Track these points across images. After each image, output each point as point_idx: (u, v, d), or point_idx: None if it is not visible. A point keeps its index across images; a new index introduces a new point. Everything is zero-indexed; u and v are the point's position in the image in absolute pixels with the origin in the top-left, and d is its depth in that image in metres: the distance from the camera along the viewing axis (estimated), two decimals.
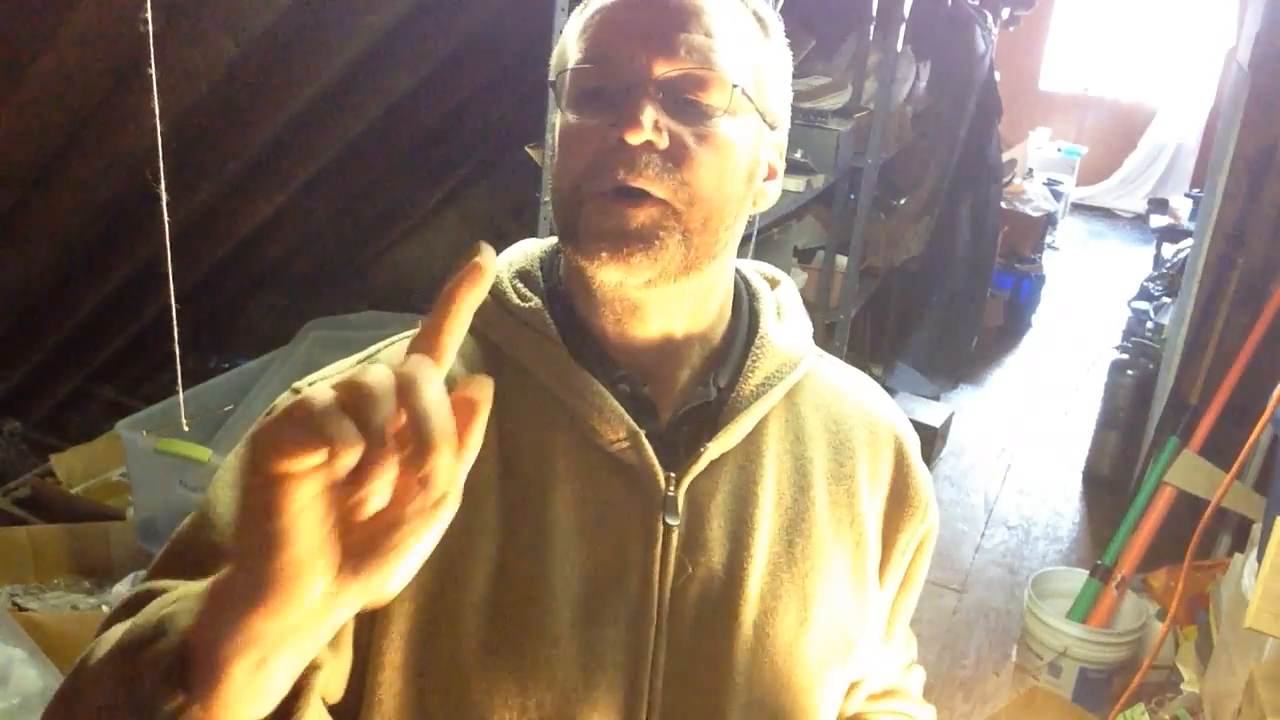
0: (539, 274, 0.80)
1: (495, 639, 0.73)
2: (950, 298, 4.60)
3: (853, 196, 3.12)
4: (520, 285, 0.78)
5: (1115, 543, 2.85)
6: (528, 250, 0.83)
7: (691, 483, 0.76)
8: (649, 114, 0.69)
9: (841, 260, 3.17)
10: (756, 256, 2.10)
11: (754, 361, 0.79)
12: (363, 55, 2.32)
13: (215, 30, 1.95)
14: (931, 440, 4.12)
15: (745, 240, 2.06)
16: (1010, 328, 5.69)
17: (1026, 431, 4.53)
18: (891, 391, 4.42)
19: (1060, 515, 3.90)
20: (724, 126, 0.72)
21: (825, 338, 3.17)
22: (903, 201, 3.58)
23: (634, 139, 0.68)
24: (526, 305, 0.77)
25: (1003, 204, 5.23)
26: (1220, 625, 2.25)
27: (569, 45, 0.76)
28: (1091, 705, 2.66)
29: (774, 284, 0.88)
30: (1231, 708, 1.91)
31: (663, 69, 0.70)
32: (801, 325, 0.86)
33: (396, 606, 0.72)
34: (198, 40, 1.96)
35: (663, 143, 0.70)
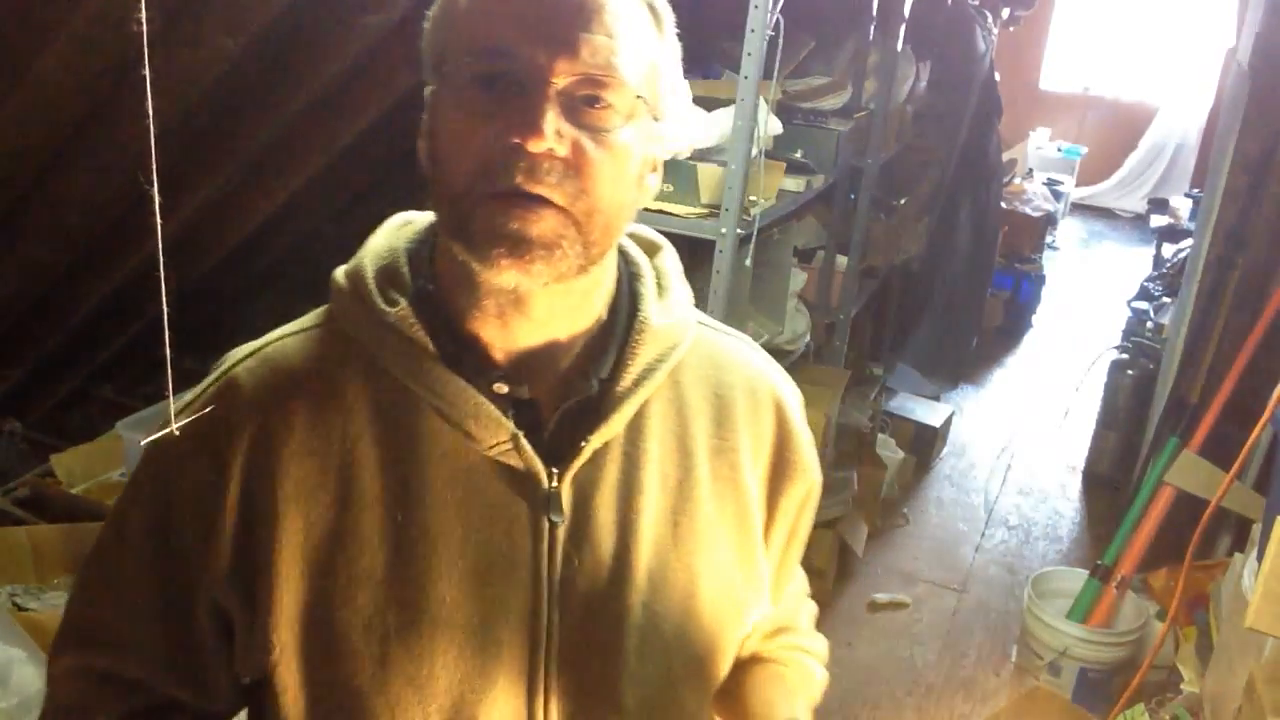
0: (406, 270, 0.77)
1: (389, 653, 0.73)
2: (950, 298, 4.60)
3: (853, 196, 3.12)
4: (386, 287, 0.76)
5: (1115, 543, 2.85)
6: (393, 244, 0.80)
7: (574, 476, 0.76)
8: (550, 121, 0.66)
9: (841, 260, 3.17)
10: (756, 256, 2.10)
11: (634, 349, 0.78)
12: (363, 55, 2.31)
13: (215, 30, 1.95)
14: (931, 440, 4.12)
15: (745, 240, 2.06)
16: (1010, 328, 5.69)
17: (1026, 431, 4.53)
18: (891, 392, 4.43)
19: (1060, 515, 3.90)
20: (623, 134, 0.70)
21: (825, 338, 3.17)
22: (903, 201, 3.58)
23: (535, 147, 0.66)
24: (393, 310, 0.74)
25: (1003, 204, 5.23)
26: (1220, 625, 2.25)
27: (456, 22, 0.73)
28: (1091, 705, 2.66)
29: (653, 251, 0.87)
30: (1231, 708, 1.91)
31: (564, 71, 0.67)
32: (682, 297, 0.85)
33: (283, 638, 0.74)
34: (197, 40, 1.95)
35: (563, 150, 0.68)
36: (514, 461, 0.74)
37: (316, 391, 0.74)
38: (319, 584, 0.73)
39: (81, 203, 2.39)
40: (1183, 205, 6.68)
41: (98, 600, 0.81)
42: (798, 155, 2.46)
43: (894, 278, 4.07)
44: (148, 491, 0.78)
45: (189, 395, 0.79)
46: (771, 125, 2.19)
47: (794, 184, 2.36)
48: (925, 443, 4.10)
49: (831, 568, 3.12)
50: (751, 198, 2.05)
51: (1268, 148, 3.04)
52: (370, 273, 0.76)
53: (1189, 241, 4.82)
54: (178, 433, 0.71)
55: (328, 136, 2.74)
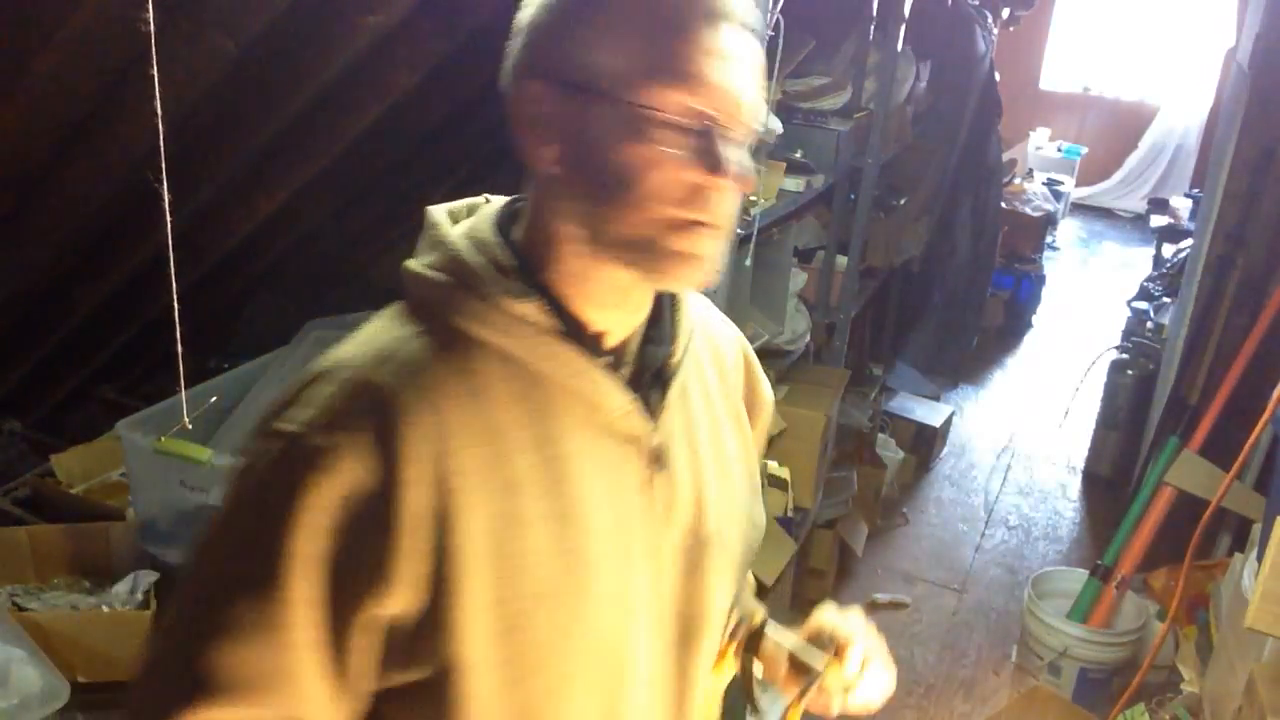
0: (516, 262, 0.82)
1: (563, 618, 0.81)
2: (950, 298, 4.60)
3: (853, 196, 3.12)
4: (504, 279, 0.81)
5: (1115, 543, 2.85)
6: (483, 237, 0.83)
7: (660, 431, 0.87)
8: (731, 165, 0.78)
9: (841, 260, 3.17)
10: (756, 256, 2.10)
11: (681, 320, 0.91)
12: (363, 55, 2.31)
13: (215, 30, 1.94)
14: (931, 440, 4.12)
15: (745, 240, 2.06)
16: (1010, 328, 5.69)
17: (1026, 431, 4.53)
18: (891, 392, 4.43)
19: (1060, 515, 3.90)
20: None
21: (825, 338, 3.17)
22: (903, 201, 3.57)
23: (720, 187, 0.78)
24: (524, 303, 0.80)
25: (1003, 204, 5.23)
26: (1220, 625, 2.25)
27: (650, 56, 0.76)
28: (1091, 705, 2.66)
29: None
30: (1231, 708, 1.91)
31: (741, 126, 0.79)
32: None
33: (470, 624, 0.77)
34: (198, 40, 1.95)
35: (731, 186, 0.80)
36: (633, 425, 0.85)
37: (458, 388, 0.78)
38: (499, 565, 0.78)
39: (82, 203, 2.39)
40: (1183, 205, 6.68)
41: (243, 640, 0.74)
42: (798, 155, 2.46)
43: (894, 278, 4.07)
44: (295, 517, 0.73)
45: (303, 412, 0.76)
46: (771, 125, 2.19)
47: (794, 184, 2.36)
48: (925, 443, 4.10)
49: (831, 568, 3.12)
50: (751, 198, 2.05)
51: (1268, 148, 3.04)
52: (482, 267, 0.81)
53: (1189, 241, 4.82)
54: (189, 425, 0.71)
55: (328, 136, 2.74)
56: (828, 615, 1.02)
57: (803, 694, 0.97)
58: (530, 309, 0.80)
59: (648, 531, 0.86)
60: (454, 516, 0.75)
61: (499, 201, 0.88)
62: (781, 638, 1.02)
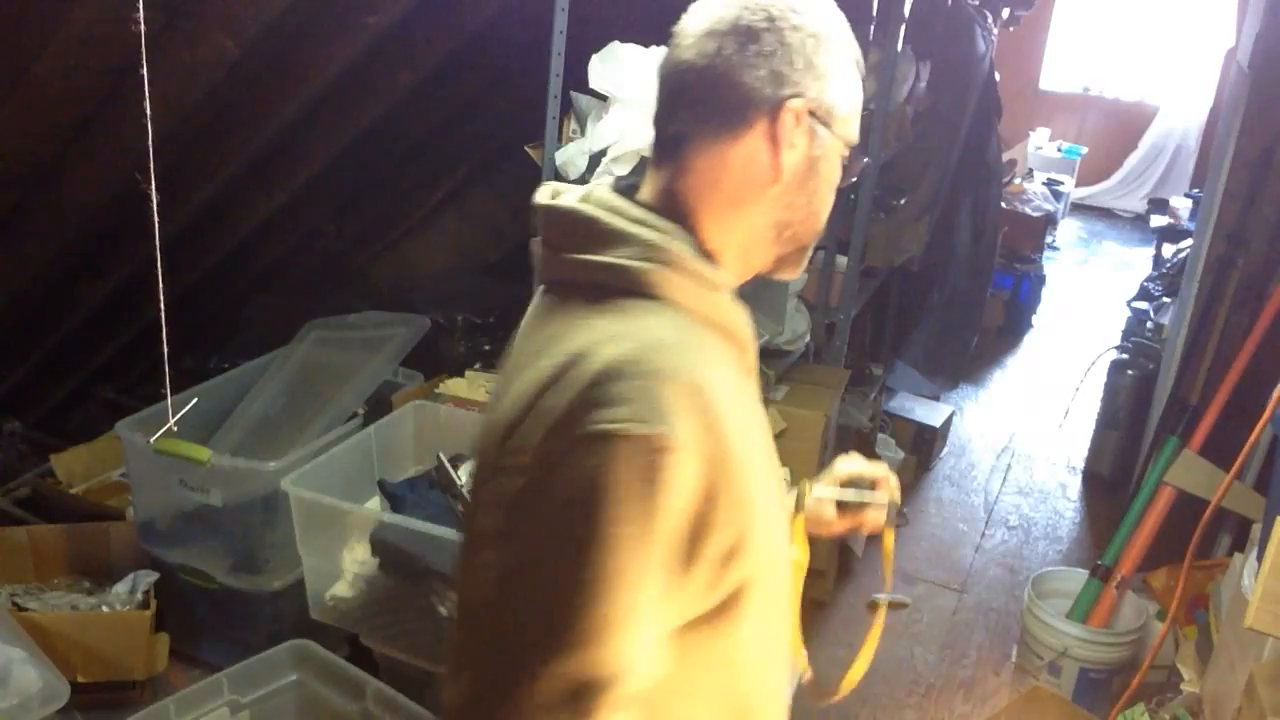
0: (693, 241, 0.93)
1: (779, 553, 0.97)
2: (950, 298, 4.59)
3: (853, 196, 3.12)
4: (701, 259, 0.93)
5: (1115, 543, 2.85)
6: (666, 226, 0.92)
7: None
8: None
9: (841, 260, 3.16)
10: None
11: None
12: (363, 55, 2.31)
13: (215, 30, 1.95)
14: (931, 440, 4.12)
15: None
16: (1010, 328, 5.69)
17: (1026, 431, 4.53)
18: (891, 392, 4.42)
19: (1060, 515, 3.90)
20: None
21: (825, 338, 3.16)
22: (903, 201, 3.57)
23: None
24: (717, 273, 0.93)
25: (1003, 204, 5.23)
26: (1220, 625, 2.25)
27: (853, 100, 1.00)
28: (1091, 705, 2.66)
29: None
30: (1231, 708, 1.91)
31: None
32: None
33: (750, 572, 0.89)
34: (198, 40, 1.96)
35: None
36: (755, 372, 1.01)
37: (709, 355, 0.90)
38: (759, 513, 0.88)
39: (81, 203, 2.39)
40: (1183, 205, 6.67)
41: (639, 627, 0.80)
42: None
43: (894, 278, 4.07)
44: (667, 502, 0.79)
45: (622, 410, 0.79)
46: None
47: None
48: (925, 443, 4.09)
49: (831, 568, 3.12)
50: None
51: (1268, 148, 3.04)
52: (682, 250, 0.91)
53: (1189, 241, 4.82)
54: (175, 428, 0.72)
55: (328, 137, 2.74)
56: (847, 464, 1.25)
57: (890, 523, 1.24)
58: (721, 276, 0.93)
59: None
60: (743, 466, 0.85)
61: (610, 190, 0.95)
62: (821, 493, 1.23)
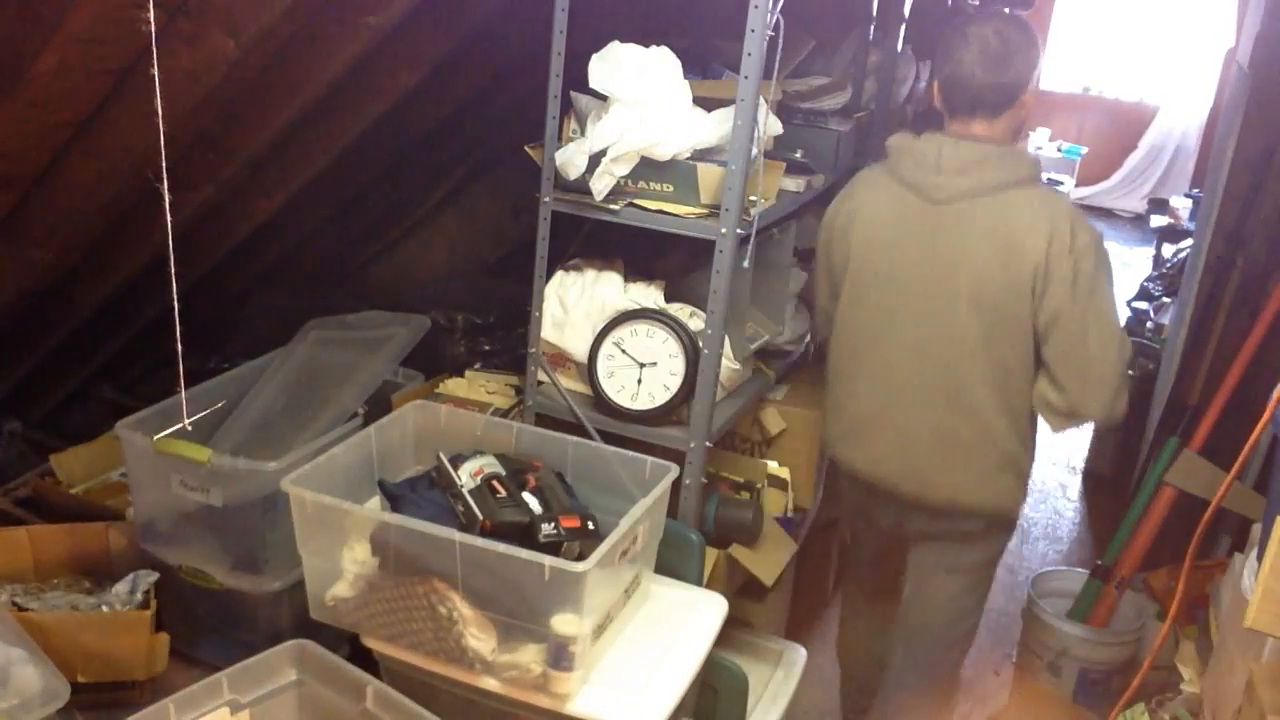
0: None
1: None
2: None
3: None
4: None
5: (1115, 543, 2.85)
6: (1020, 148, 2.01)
7: None
8: None
9: None
10: (756, 256, 2.10)
11: None
12: (363, 55, 2.31)
13: (215, 30, 1.95)
14: None
15: (745, 241, 2.06)
16: None
17: None
18: None
19: (1060, 515, 3.90)
20: None
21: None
22: None
23: None
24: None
25: None
26: (1220, 625, 2.25)
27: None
28: (1091, 705, 2.66)
29: None
30: (1231, 708, 1.91)
31: None
32: None
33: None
34: (198, 40, 1.96)
35: None
36: None
37: None
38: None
39: (82, 203, 2.39)
40: (1183, 205, 6.67)
41: None
42: (798, 155, 2.46)
43: None
44: None
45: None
46: (771, 125, 2.19)
47: (794, 184, 2.36)
48: None
49: (832, 568, 3.12)
50: (751, 198, 2.05)
51: (1268, 148, 3.04)
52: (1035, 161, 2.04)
53: (1189, 241, 4.82)
54: (190, 427, 0.72)
55: (328, 137, 2.74)
56: None
57: None
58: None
59: None
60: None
61: (941, 134, 1.99)
62: None
